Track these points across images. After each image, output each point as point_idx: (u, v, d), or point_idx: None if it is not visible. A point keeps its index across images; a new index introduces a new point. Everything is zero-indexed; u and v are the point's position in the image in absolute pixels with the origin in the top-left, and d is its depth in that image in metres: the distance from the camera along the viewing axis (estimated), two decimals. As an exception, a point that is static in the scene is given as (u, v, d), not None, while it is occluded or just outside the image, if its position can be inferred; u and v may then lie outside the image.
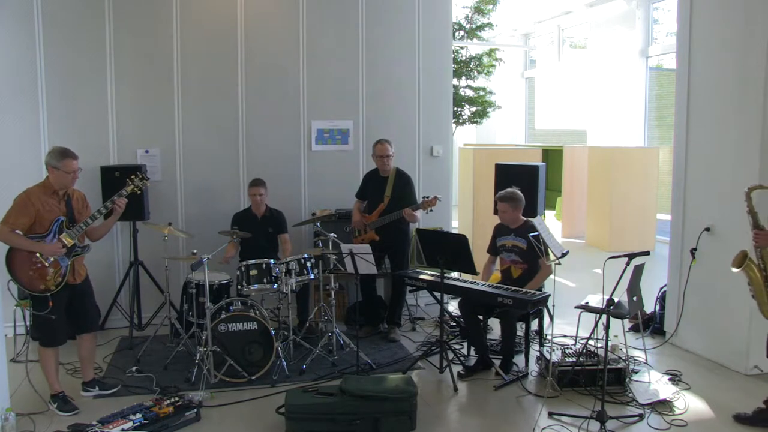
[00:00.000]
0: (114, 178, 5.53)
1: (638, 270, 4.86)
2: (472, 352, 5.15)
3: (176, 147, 6.15)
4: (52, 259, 4.04)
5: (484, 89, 14.31)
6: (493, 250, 5.26)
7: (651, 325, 5.78)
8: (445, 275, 4.87)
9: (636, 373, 4.77)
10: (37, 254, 4.02)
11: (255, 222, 5.65)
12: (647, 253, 4.06)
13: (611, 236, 9.77)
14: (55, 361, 4.26)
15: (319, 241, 5.50)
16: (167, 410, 3.95)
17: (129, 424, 3.74)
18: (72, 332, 4.37)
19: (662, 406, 4.25)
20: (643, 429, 3.99)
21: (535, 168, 6.07)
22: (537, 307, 4.81)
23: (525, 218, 5.11)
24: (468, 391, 4.60)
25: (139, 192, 4.47)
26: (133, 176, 4.36)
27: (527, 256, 4.96)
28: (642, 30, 11.69)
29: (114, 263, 6.04)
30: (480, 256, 5.27)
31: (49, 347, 4.21)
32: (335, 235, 5.31)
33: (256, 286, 4.98)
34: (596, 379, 4.41)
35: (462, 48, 14.07)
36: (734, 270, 3.84)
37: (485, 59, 14.18)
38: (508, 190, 5.14)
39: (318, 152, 6.52)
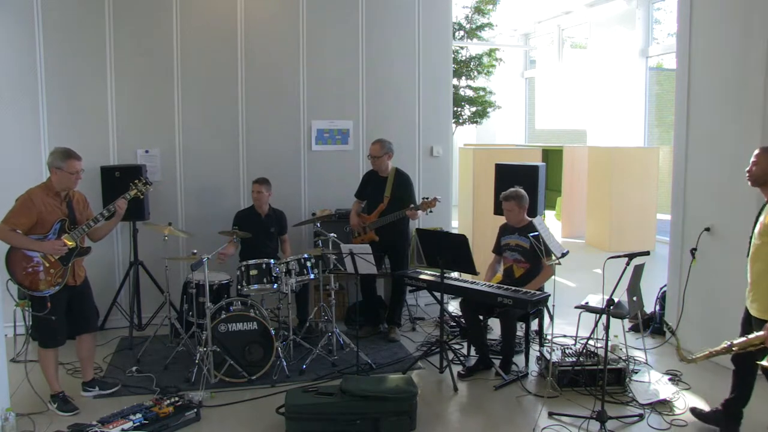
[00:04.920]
0: (114, 178, 5.54)
1: (638, 270, 4.86)
2: (472, 352, 5.15)
3: (176, 147, 6.15)
4: (52, 259, 4.04)
5: (484, 89, 14.31)
6: (498, 249, 5.27)
7: (651, 325, 5.78)
8: (445, 275, 4.87)
9: (636, 373, 4.78)
10: (37, 256, 4.02)
11: (258, 221, 5.65)
12: (647, 253, 4.06)
13: (611, 236, 9.77)
14: (55, 362, 4.27)
15: (319, 241, 5.50)
16: (167, 410, 3.95)
17: (129, 424, 3.74)
18: (71, 333, 4.36)
19: (662, 406, 4.25)
20: (643, 429, 3.99)
21: (535, 168, 6.07)
22: (537, 307, 4.81)
23: (529, 218, 5.13)
24: (468, 391, 4.60)
25: (141, 197, 4.48)
26: (136, 181, 4.37)
27: (530, 256, 4.97)
28: (642, 30, 11.69)
29: (114, 263, 6.04)
30: (480, 256, 5.28)
31: (48, 348, 4.21)
32: (335, 235, 5.31)
33: (256, 286, 4.98)
34: (596, 379, 4.41)
35: (462, 48, 14.07)
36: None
37: (485, 59, 14.19)
38: (512, 189, 5.15)
39: (318, 152, 6.52)
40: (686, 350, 3.71)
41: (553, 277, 4.96)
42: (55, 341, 4.21)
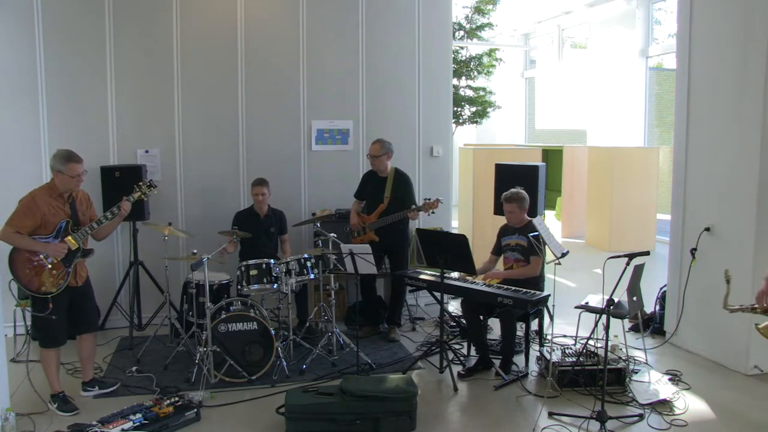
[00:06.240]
0: (114, 178, 5.55)
1: (638, 270, 4.86)
2: (473, 352, 5.15)
3: (176, 147, 6.15)
4: (53, 260, 4.04)
5: (484, 89, 14.32)
6: (497, 250, 5.28)
7: (651, 325, 5.78)
8: (445, 275, 4.87)
9: (636, 373, 4.78)
10: (40, 257, 4.02)
11: (257, 221, 5.66)
12: (647, 253, 4.06)
13: (611, 236, 9.77)
14: (57, 362, 4.26)
15: (319, 241, 5.50)
16: (167, 410, 3.95)
17: (129, 424, 3.74)
18: (72, 332, 4.37)
19: (662, 406, 4.25)
20: (643, 429, 3.99)
21: (535, 168, 6.07)
22: (537, 307, 4.81)
23: (529, 218, 5.13)
24: (468, 391, 4.60)
25: (145, 199, 4.49)
26: (140, 183, 4.37)
27: (529, 254, 4.98)
28: (642, 30, 11.69)
29: (114, 263, 6.04)
30: (480, 256, 5.28)
31: (49, 348, 4.21)
32: (335, 235, 5.31)
33: (256, 286, 4.98)
34: (596, 379, 4.41)
35: (462, 48, 14.07)
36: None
37: (485, 59, 14.19)
38: (513, 190, 5.15)
39: (318, 152, 6.52)
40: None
41: (552, 277, 4.96)
42: (55, 341, 4.21)
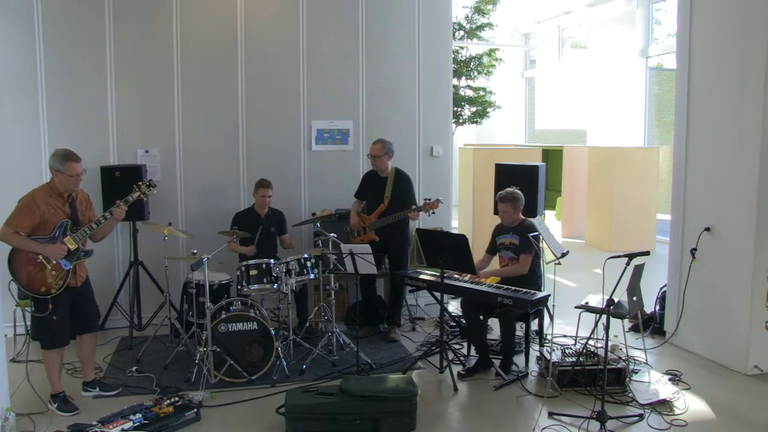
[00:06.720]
0: (114, 178, 5.55)
1: (638, 270, 4.86)
2: (472, 352, 5.15)
3: (176, 147, 6.15)
4: (54, 261, 4.04)
5: (484, 89, 14.32)
6: (492, 249, 5.29)
7: (651, 325, 5.78)
8: (445, 275, 4.87)
9: (636, 373, 4.78)
10: (40, 257, 4.02)
11: (257, 221, 5.65)
12: (647, 253, 4.06)
13: (611, 236, 9.77)
14: (60, 362, 4.27)
15: (319, 241, 5.51)
16: (167, 410, 3.95)
17: (129, 424, 3.74)
18: (72, 333, 4.36)
19: (662, 406, 4.25)
20: (643, 429, 3.99)
21: (535, 168, 6.07)
22: (537, 307, 4.81)
23: (524, 217, 5.14)
24: (468, 391, 4.60)
25: (145, 199, 4.48)
26: (140, 183, 4.37)
27: (520, 252, 4.98)
28: (642, 30, 11.69)
29: (114, 263, 6.04)
30: (480, 256, 5.28)
31: (51, 349, 4.20)
32: (335, 235, 5.31)
33: (256, 286, 4.98)
34: (596, 379, 4.40)
35: (462, 48, 14.08)
36: None
37: (485, 59, 14.19)
38: (508, 190, 5.16)
39: (318, 152, 6.52)
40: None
41: (552, 277, 4.96)
42: (58, 342, 4.20)
